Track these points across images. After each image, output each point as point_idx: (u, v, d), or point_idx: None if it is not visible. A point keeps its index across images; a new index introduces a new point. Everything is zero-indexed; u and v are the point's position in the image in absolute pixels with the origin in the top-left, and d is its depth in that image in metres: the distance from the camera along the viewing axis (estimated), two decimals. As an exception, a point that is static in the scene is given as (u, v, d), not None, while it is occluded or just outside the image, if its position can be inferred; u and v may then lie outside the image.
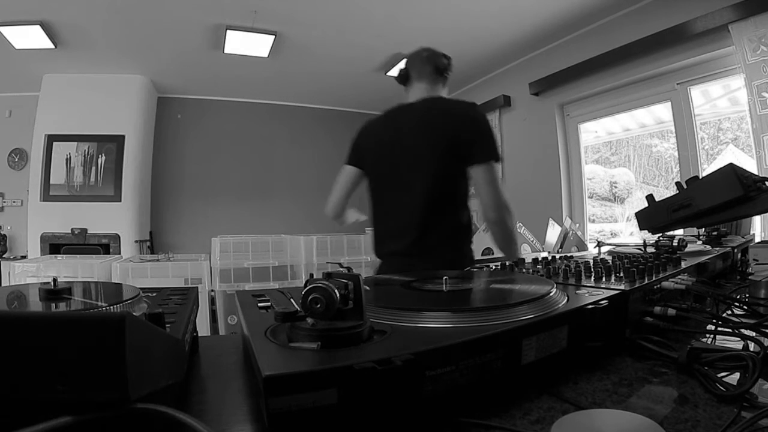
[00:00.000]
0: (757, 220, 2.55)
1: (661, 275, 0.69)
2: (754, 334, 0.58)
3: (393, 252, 1.36)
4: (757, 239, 1.87)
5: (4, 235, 4.50)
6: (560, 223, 2.39)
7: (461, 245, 1.38)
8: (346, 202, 1.50)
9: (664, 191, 3.52)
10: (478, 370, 0.40)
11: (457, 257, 1.32)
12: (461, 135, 1.26)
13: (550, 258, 0.95)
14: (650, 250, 1.00)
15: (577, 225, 3.60)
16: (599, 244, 1.37)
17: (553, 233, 2.35)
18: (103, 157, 4.37)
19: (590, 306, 0.52)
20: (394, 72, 1.56)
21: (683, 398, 0.43)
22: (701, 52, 2.79)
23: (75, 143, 4.32)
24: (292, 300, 0.57)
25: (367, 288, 0.44)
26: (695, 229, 1.34)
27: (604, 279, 0.68)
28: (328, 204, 1.52)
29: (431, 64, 1.39)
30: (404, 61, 1.46)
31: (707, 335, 0.64)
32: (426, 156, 1.29)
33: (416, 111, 1.35)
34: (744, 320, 0.65)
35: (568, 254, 1.22)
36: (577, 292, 0.58)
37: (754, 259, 1.18)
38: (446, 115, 1.30)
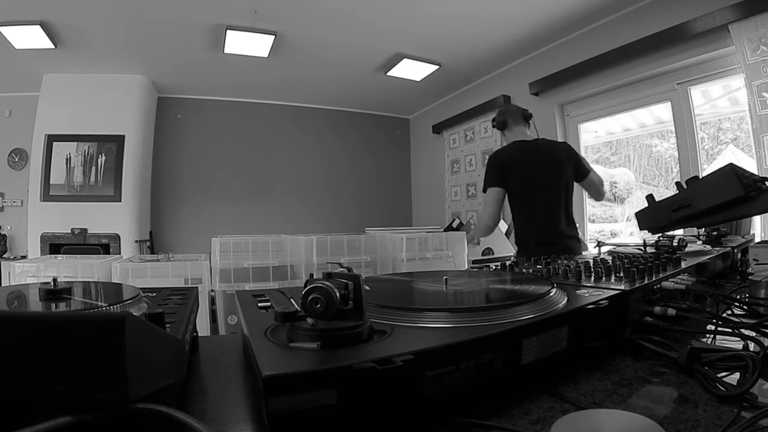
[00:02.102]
0: (757, 220, 2.54)
1: (661, 275, 0.69)
2: (754, 334, 0.58)
3: (540, 241, 1.83)
4: (757, 239, 1.87)
5: (4, 235, 4.50)
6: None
7: (577, 233, 1.99)
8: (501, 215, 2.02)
9: (664, 191, 3.52)
10: (478, 370, 0.40)
11: (577, 243, 1.94)
12: (575, 159, 1.99)
13: (550, 258, 0.95)
14: (650, 250, 1.00)
15: (578, 225, 3.60)
16: (599, 244, 1.37)
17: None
18: (103, 157, 4.37)
19: (590, 306, 0.52)
20: (488, 119, 2.35)
21: (683, 398, 0.43)
22: (701, 52, 2.78)
23: (75, 143, 4.31)
24: (292, 300, 0.57)
25: (367, 288, 0.44)
26: (695, 229, 1.34)
27: (604, 279, 0.68)
28: (487, 219, 1.98)
29: (520, 114, 2.02)
30: (497, 112, 2.09)
31: (707, 335, 0.64)
32: (563, 173, 1.92)
33: (542, 146, 1.97)
34: (744, 320, 0.65)
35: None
36: (577, 292, 0.58)
37: (754, 259, 1.18)
38: (564, 147, 2.02)
